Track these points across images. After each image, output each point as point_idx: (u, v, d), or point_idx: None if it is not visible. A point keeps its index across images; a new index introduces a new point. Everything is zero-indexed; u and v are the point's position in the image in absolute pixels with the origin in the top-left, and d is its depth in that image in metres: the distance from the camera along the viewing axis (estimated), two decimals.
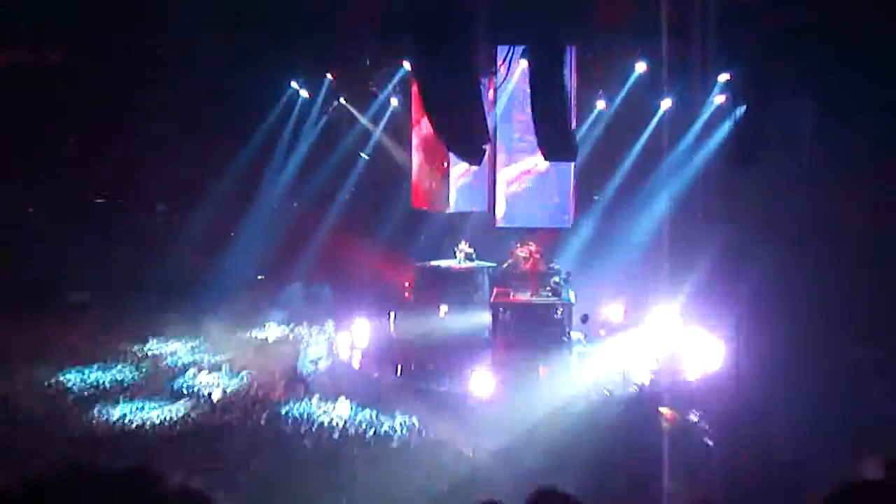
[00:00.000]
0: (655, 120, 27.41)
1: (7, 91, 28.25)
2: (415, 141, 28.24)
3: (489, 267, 27.39)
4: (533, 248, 25.63)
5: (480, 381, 23.31)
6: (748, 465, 20.11)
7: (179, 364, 25.95)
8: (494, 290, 25.46)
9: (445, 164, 27.37)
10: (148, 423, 21.04)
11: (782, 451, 20.84)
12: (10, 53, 28.56)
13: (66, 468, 3.86)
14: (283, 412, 22.13)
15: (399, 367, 24.50)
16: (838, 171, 28.56)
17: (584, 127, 26.50)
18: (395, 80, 28.20)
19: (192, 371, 25.21)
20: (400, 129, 29.56)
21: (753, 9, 21.68)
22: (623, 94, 26.44)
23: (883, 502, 4.14)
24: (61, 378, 24.12)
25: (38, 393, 23.03)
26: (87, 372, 24.74)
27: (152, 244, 31.91)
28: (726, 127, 24.90)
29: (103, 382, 24.05)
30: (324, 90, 30.28)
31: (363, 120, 30.64)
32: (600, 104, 26.98)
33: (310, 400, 23.38)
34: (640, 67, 25.30)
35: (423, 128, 27.22)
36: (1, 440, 19.50)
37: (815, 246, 27.20)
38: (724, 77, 25.21)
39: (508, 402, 22.39)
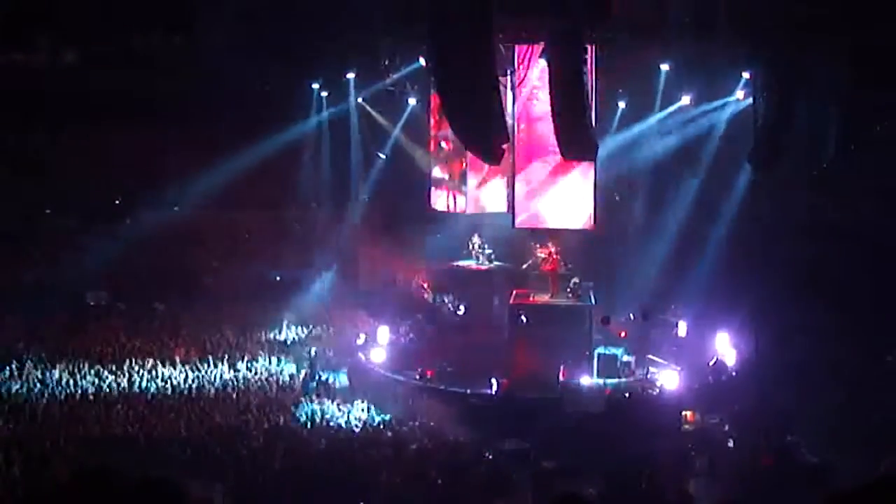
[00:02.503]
0: (675, 118, 27.16)
1: (25, 92, 28.30)
2: (433, 141, 28.12)
3: (508, 268, 27.23)
4: (553, 249, 25.46)
5: (499, 383, 23.17)
6: (770, 467, 19.93)
7: (198, 364, 25.81)
8: (514, 292, 25.30)
9: (464, 165, 27.24)
10: (168, 423, 20.96)
11: (805, 453, 20.67)
12: (27, 53, 28.61)
13: (88, 474, 3.77)
14: (302, 413, 22.04)
15: (417, 368, 24.36)
16: (861, 173, 28.33)
17: (605, 125, 26.19)
18: (414, 79, 28.03)
19: (210, 371, 25.09)
20: (419, 129, 29.41)
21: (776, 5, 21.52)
22: (644, 92, 26.19)
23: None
24: (81, 381, 24.04)
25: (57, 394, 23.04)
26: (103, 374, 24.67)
27: (170, 245, 31.86)
28: (747, 127, 24.64)
29: (119, 384, 23.97)
30: (342, 90, 30.12)
31: (381, 120, 30.52)
32: (621, 104, 26.79)
33: (329, 401, 23.31)
34: (662, 65, 25.01)
35: (441, 128, 27.09)
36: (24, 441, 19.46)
37: (840, 249, 26.94)
38: (745, 75, 24.85)
39: (527, 403, 22.26)
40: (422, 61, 25.54)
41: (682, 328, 25.91)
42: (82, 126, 31.42)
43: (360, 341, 26.78)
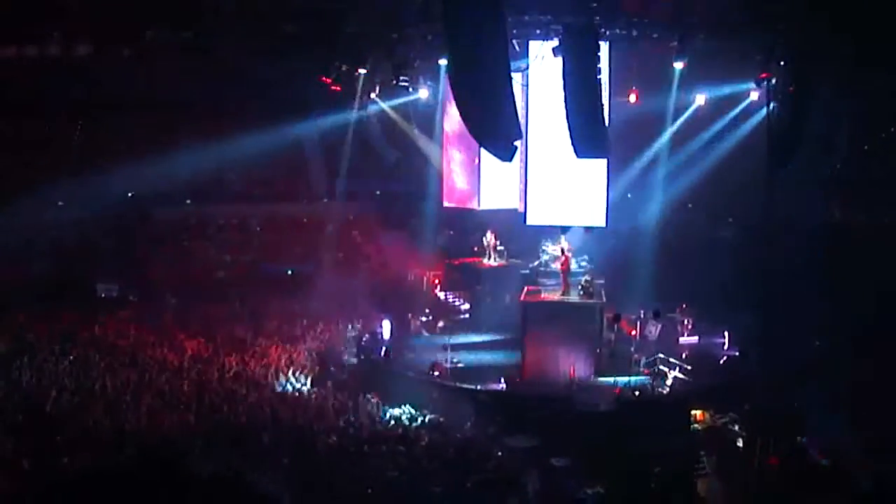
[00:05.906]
0: (687, 116, 27.07)
1: (35, 89, 28.37)
2: (446, 137, 28.09)
3: (520, 265, 27.20)
4: (565, 246, 25.41)
5: (509, 380, 23.17)
6: (779, 468, 19.89)
7: (209, 360, 25.82)
8: (525, 289, 25.27)
9: (476, 161, 27.22)
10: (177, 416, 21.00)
11: (814, 454, 20.62)
12: (40, 48, 28.64)
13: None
14: (312, 409, 22.05)
15: (428, 364, 24.36)
16: (874, 174, 28.24)
17: (617, 123, 26.07)
18: (428, 75, 27.95)
19: (219, 369, 25.10)
20: (431, 126, 29.36)
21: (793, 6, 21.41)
22: (657, 89, 26.08)
23: None
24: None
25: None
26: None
27: (181, 239, 31.91)
28: (761, 127, 24.55)
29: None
30: (356, 85, 30.03)
31: (394, 116, 30.45)
32: (632, 98, 26.70)
33: (338, 397, 23.29)
34: (676, 63, 24.90)
35: (454, 124, 27.06)
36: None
37: (853, 250, 26.85)
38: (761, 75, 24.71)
39: (537, 400, 22.25)
40: (441, 62, 25.40)
41: (693, 327, 25.88)
42: (94, 119, 31.51)
43: (371, 336, 26.80)
